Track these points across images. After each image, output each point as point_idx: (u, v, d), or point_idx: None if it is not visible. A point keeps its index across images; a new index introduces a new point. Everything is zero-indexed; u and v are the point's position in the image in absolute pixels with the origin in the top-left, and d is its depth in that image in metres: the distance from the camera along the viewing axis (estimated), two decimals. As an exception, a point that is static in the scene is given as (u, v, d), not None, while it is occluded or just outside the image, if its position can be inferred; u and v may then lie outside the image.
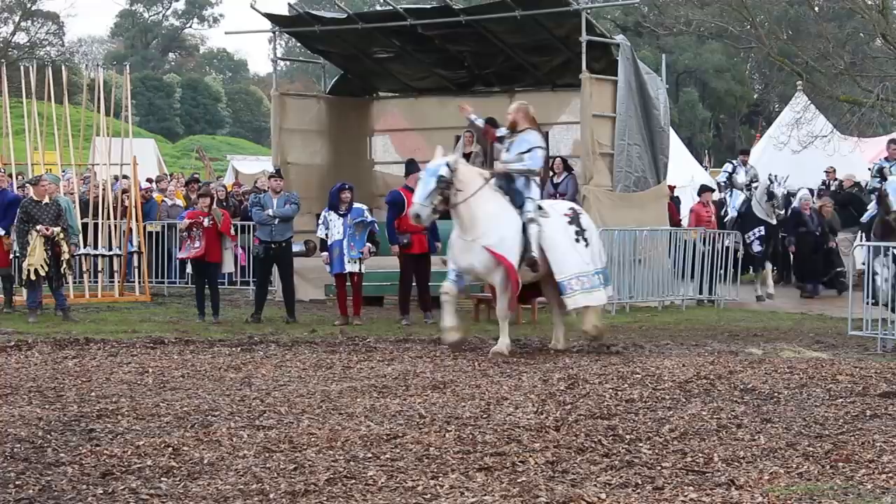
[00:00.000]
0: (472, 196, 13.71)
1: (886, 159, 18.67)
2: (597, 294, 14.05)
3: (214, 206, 17.57)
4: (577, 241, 14.01)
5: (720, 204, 23.52)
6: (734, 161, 24.08)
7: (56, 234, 17.38)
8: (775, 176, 21.82)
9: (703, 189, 23.13)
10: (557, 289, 13.94)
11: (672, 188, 23.72)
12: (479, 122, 14.79)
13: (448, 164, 13.72)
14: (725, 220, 22.54)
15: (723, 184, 23.96)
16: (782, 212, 22.19)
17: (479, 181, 13.89)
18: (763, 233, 21.47)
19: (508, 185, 14.02)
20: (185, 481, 7.52)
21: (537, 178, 14.27)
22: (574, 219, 14.20)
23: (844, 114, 32.01)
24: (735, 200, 22.63)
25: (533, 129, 14.22)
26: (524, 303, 16.23)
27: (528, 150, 13.99)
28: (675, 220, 22.75)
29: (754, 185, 22.49)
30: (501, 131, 14.45)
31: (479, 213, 13.71)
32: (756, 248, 21.52)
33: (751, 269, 22.51)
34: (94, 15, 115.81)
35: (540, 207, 14.03)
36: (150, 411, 9.80)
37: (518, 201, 13.91)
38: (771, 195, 21.47)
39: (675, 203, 23.95)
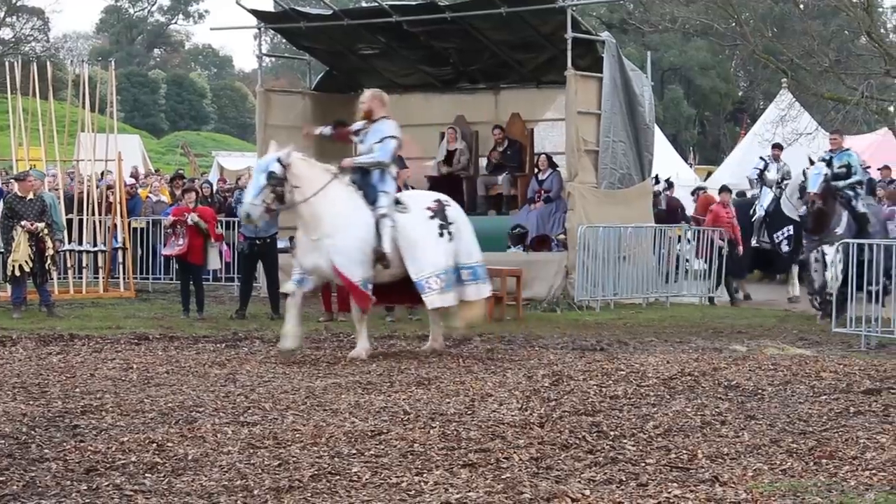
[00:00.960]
0: (315, 194, 12.93)
1: (830, 151, 18.45)
2: (448, 296, 13.22)
3: (197, 217, 17.25)
4: (441, 234, 13.25)
5: (744, 204, 22.32)
6: (765, 157, 22.73)
7: (40, 230, 17.35)
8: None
9: (723, 189, 22.27)
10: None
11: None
12: (327, 131, 14.00)
13: (279, 160, 12.94)
14: (753, 219, 21.58)
15: (754, 181, 22.83)
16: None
17: (323, 177, 13.11)
18: (791, 232, 20.48)
19: (363, 180, 13.26)
20: (169, 477, 7.50)
21: (392, 170, 13.39)
22: (438, 212, 13.38)
23: (829, 111, 32.15)
24: (764, 199, 21.61)
25: (389, 117, 13.51)
26: (396, 303, 15.21)
27: (381, 141, 13.22)
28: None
29: (784, 182, 21.20)
30: (357, 124, 13.58)
31: (322, 211, 12.93)
32: (784, 248, 20.77)
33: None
34: (79, 11, 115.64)
35: (398, 202, 13.30)
36: (134, 407, 9.79)
37: (371, 196, 13.15)
38: (802, 189, 19.78)
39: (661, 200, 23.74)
